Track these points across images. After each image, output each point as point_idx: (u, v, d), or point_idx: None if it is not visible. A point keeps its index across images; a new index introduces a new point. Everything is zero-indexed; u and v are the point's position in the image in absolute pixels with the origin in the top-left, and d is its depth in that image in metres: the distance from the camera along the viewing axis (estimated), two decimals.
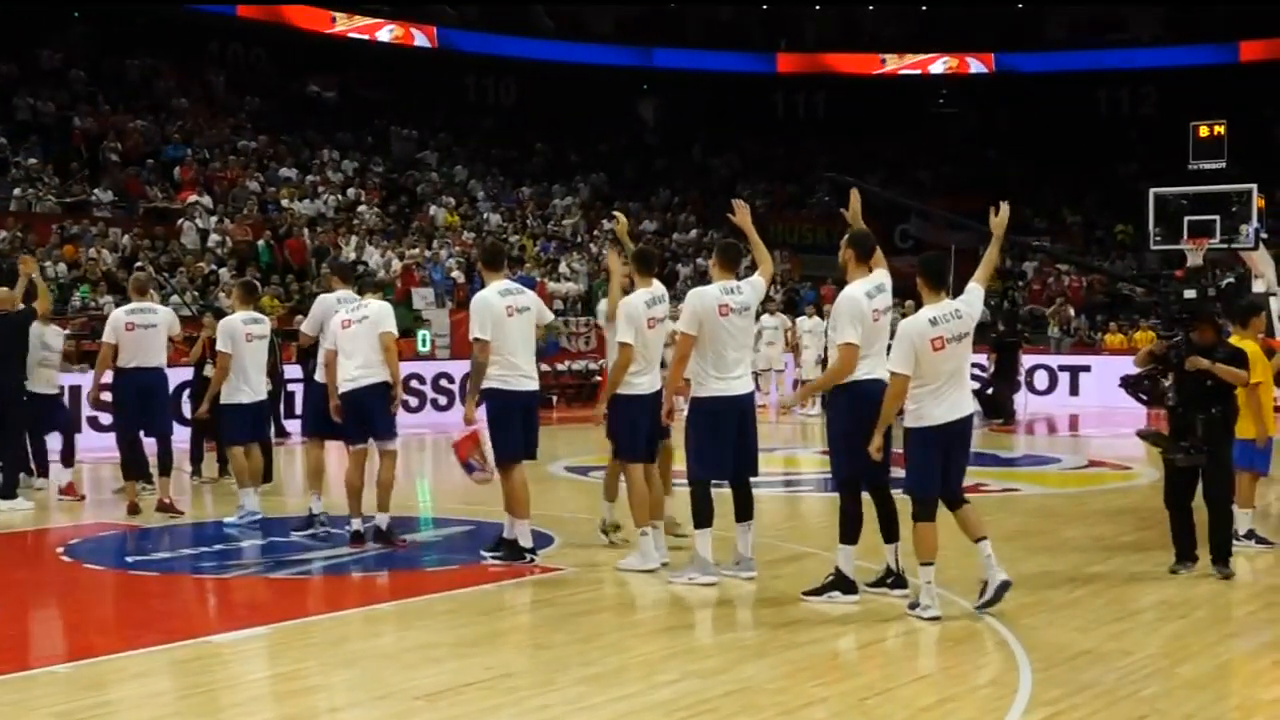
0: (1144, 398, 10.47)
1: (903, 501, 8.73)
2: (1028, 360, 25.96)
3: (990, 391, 23.05)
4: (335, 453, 12.08)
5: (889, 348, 8.66)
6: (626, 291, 10.07)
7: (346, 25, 37.55)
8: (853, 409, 8.71)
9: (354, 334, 10.92)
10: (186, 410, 16.81)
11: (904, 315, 10.29)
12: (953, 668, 7.61)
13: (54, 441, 14.72)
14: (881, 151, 42.46)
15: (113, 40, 34.03)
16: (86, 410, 18.69)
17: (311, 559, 10.66)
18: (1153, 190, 23.49)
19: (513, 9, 41.34)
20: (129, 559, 10.90)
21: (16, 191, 26.66)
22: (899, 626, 8.28)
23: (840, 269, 9.20)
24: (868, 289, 8.80)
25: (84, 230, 25.59)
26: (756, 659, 7.57)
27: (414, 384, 22.52)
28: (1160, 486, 10.23)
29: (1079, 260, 35.96)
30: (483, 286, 10.39)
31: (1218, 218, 22.07)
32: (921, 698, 6.85)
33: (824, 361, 13.03)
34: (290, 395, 18.84)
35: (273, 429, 16.64)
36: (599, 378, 25.40)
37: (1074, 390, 27.24)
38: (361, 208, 31.46)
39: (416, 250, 29.61)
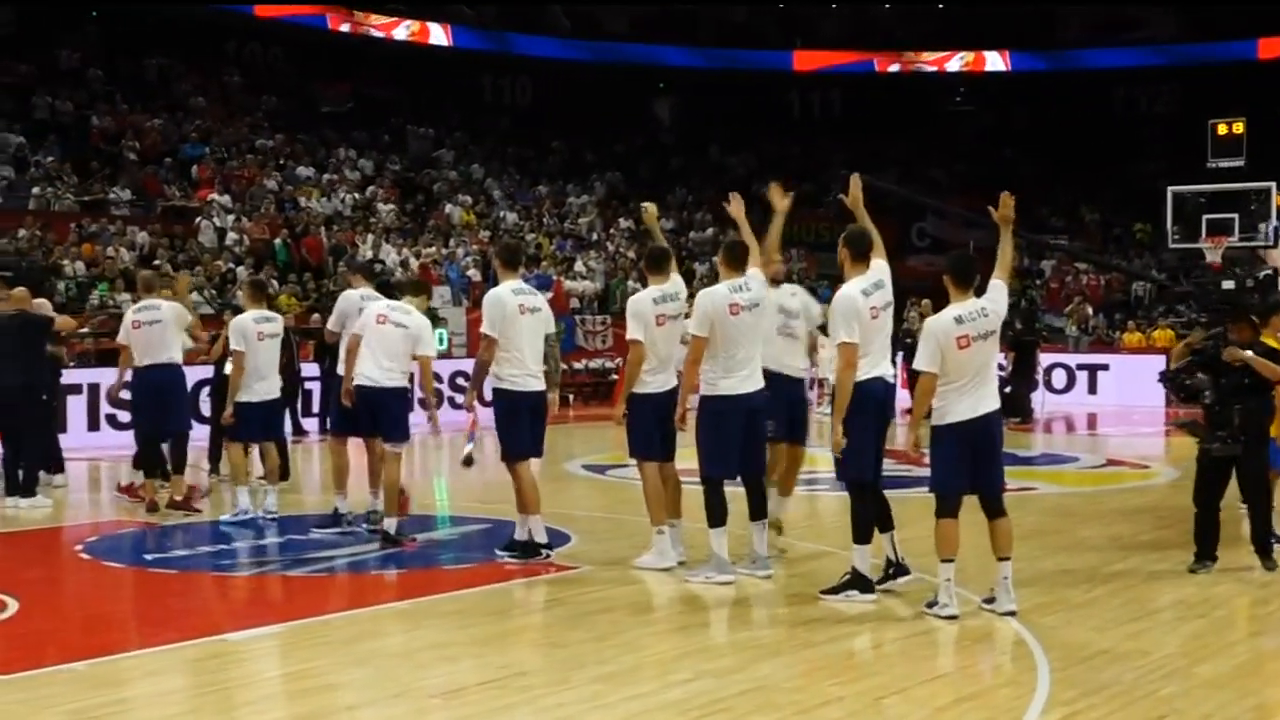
0: (1183, 394, 10.43)
1: (926, 500, 8.70)
2: (1045, 359, 25.91)
3: (1008, 390, 23.00)
4: (355, 450, 12.08)
5: (909, 346, 8.65)
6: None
7: (363, 24, 37.58)
8: (854, 407, 8.69)
9: (386, 335, 10.90)
10: (205, 408, 16.84)
11: (921, 314, 10.28)
12: (970, 667, 7.59)
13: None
14: (897, 150, 42.38)
15: (130, 40, 34.12)
16: (105, 409, 18.83)
17: (328, 557, 10.66)
18: (1171, 188, 23.43)
19: (529, 8, 41.36)
20: (147, 557, 10.92)
21: (36, 190, 26.76)
22: (916, 625, 8.25)
23: (839, 267, 9.18)
24: (864, 286, 8.79)
25: (102, 229, 25.67)
26: (772, 658, 7.55)
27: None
28: (1180, 485, 10.22)
29: (1097, 259, 35.86)
30: (497, 284, 10.40)
31: (1236, 216, 22.02)
32: (939, 697, 6.82)
33: None
34: (307, 393, 18.89)
35: (290, 427, 16.71)
36: (615, 376, 25.41)
37: (1092, 389, 27.19)
38: (378, 206, 31.51)
39: (433, 249, 29.66)
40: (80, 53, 33.10)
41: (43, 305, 14.54)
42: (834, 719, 6.45)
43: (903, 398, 11.87)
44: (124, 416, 18.49)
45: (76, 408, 18.23)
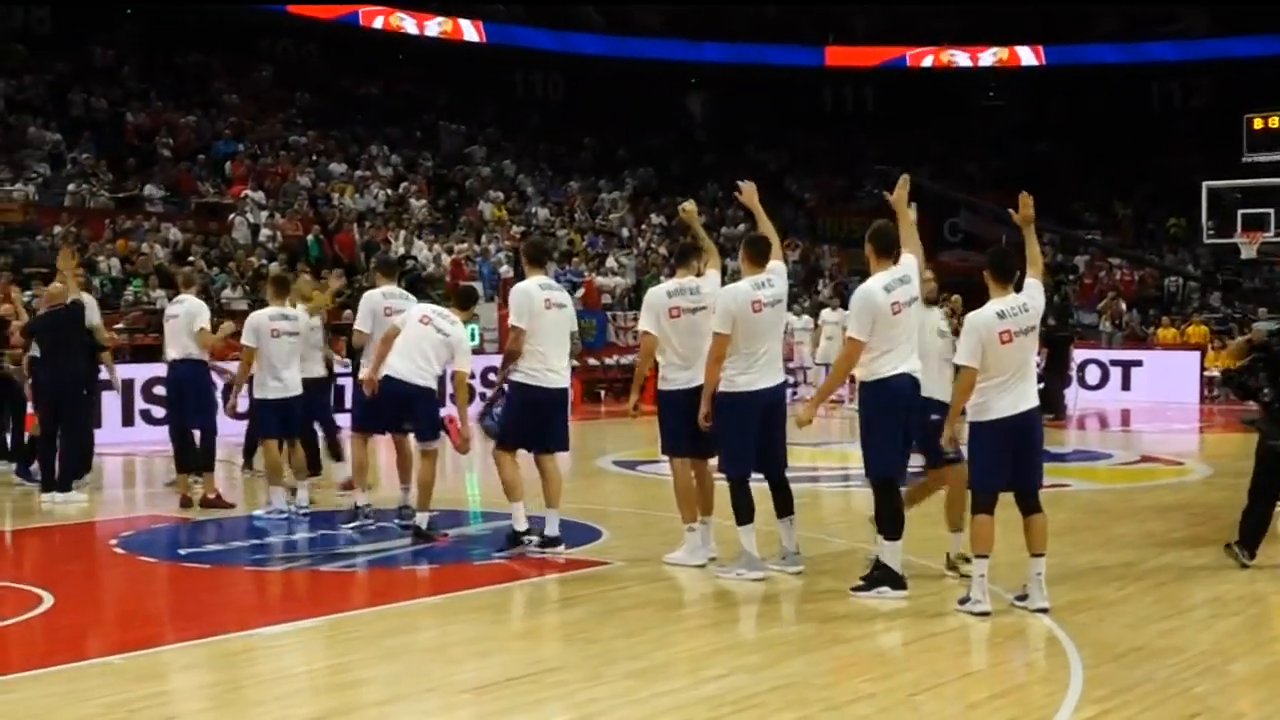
0: (1242, 393, 10.37)
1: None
2: (1079, 355, 25.78)
3: (1041, 386, 22.89)
4: (384, 447, 12.13)
5: (956, 346, 8.60)
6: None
7: (396, 21, 37.66)
8: (880, 404, 8.70)
9: (426, 336, 10.92)
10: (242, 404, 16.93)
11: (952, 311, 10.25)
12: (1002, 664, 7.58)
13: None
14: (930, 145, 42.24)
15: (164, 37, 34.29)
16: (140, 404, 18.96)
17: (360, 552, 10.71)
18: (1206, 183, 23.33)
19: (561, 4, 41.37)
20: (181, 551, 10.98)
21: (71, 187, 26.92)
22: (949, 622, 8.23)
23: (865, 263, 9.16)
24: (886, 282, 8.76)
25: (137, 225, 25.81)
26: (803, 654, 7.55)
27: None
28: (1214, 482, 10.17)
29: (1131, 254, 35.68)
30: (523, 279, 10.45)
31: (1272, 211, 21.90)
32: (971, 693, 6.81)
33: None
34: (340, 389, 18.94)
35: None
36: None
37: (1125, 385, 27.04)
38: (411, 202, 31.60)
39: (465, 245, 29.72)
40: (115, 50, 33.30)
41: (90, 305, 14.62)
42: (865, 715, 6.44)
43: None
44: (158, 412, 18.65)
45: (111, 404, 18.33)
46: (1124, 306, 32.10)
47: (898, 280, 8.81)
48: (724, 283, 9.76)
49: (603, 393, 26.06)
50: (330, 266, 26.73)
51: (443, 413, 11.72)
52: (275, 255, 26.31)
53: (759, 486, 9.38)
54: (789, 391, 11.05)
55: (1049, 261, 34.69)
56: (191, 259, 24.22)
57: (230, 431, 14.62)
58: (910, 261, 8.91)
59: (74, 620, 8.74)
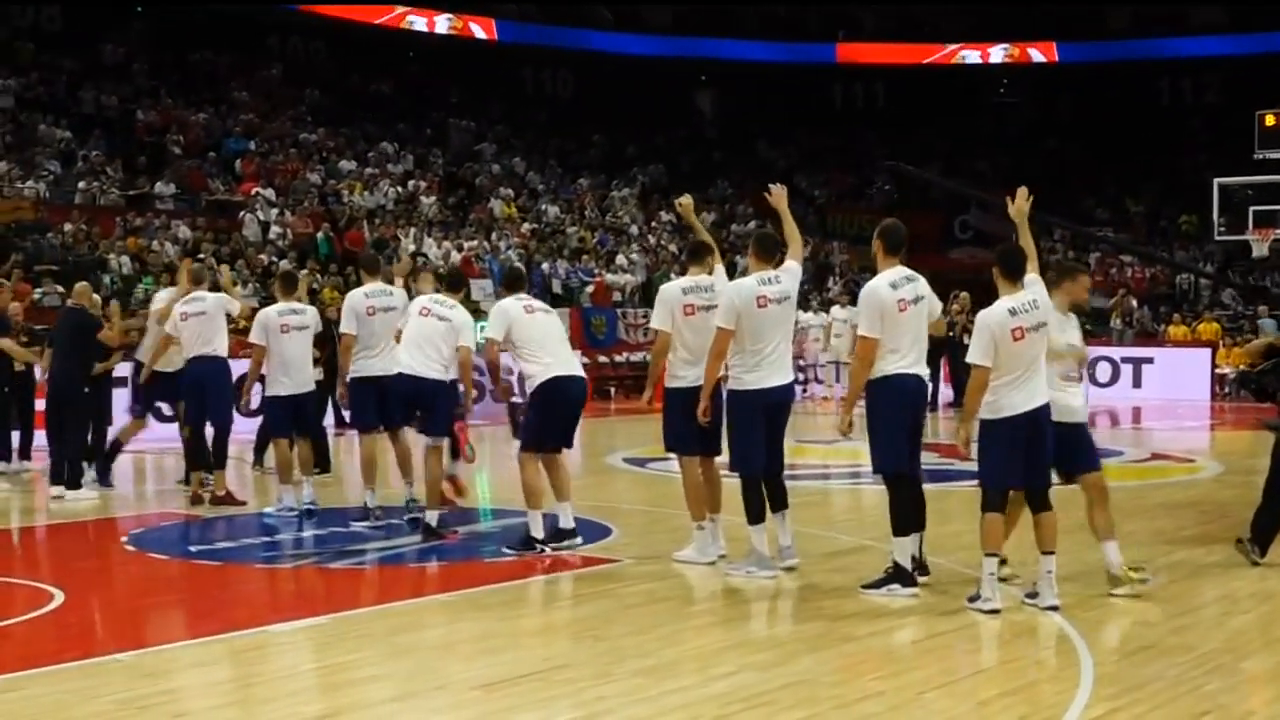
0: (1259, 394, 10.36)
1: (965, 494, 8.67)
2: (1090, 352, 25.73)
3: None
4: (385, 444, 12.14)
5: (950, 340, 8.61)
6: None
7: (406, 19, 37.70)
8: (888, 402, 8.69)
9: (428, 327, 10.94)
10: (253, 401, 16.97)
11: (960, 307, 10.24)
12: (1012, 662, 7.56)
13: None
14: (941, 142, 42.22)
15: (174, 35, 34.38)
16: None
17: (370, 550, 10.72)
18: (1217, 180, 23.28)
19: (571, 2, 41.37)
20: (192, 548, 11.00)
21: (81, 185, 26.99)
22: (958, 620, 8.22)
23: (872, 260, 9.15)
24: (893, 279, 8.76)
25: (147, 223, 25.86)
26: (814, 652, 7.54)
27: (473, 375, 22.54)
28: (1225, 480, 10.14)
29: (1143, 251, 35.61)
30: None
31: None
32: (981, 691, 6.80)
33: None
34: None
35: (332, 418, 16.77)
36: None
37: (1136, 382, 26.98)
38: (420, 199, 31.62)
39: (475, 242, 29.73)
40: (125, 48, 33.37)
41: (95, 302, 14.66)
42: (875, 713, 6.43)
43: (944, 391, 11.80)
44: (168, 409, 18.65)
45: (121, 400, 18.32)
46: (1134, 303, 32.05)
47: (904, 278, 8.80)
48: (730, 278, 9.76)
49: (613, 390, 26.06)
50: (340, 264, 26.85)
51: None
52: (285, 253, 26.35)
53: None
54: (799, 389, 11.04)
55: (1060, 259, 34.73)
56: (201, 256, 24.25)
57: (241, 429, 14.62)
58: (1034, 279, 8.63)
59: (85, 617, 8.77)
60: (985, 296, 8.79)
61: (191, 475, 13.35)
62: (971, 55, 42.61)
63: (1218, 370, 26.19)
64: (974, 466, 8.57)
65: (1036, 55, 42.24)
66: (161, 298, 14.07)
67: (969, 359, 8.33)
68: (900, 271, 8.82)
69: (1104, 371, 26.97)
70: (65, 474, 13.34)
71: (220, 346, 12.94)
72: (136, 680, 6.96)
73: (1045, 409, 8.39)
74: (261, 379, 12.48)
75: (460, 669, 7.21)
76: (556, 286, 28.98)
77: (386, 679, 7.05)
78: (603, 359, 26.98)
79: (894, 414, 8.69)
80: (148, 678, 7.03)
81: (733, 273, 12.26)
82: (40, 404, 14.64)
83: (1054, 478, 8.63)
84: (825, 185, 41.86)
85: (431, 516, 10.90)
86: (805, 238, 10.11)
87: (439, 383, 10.93)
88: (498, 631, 8.05)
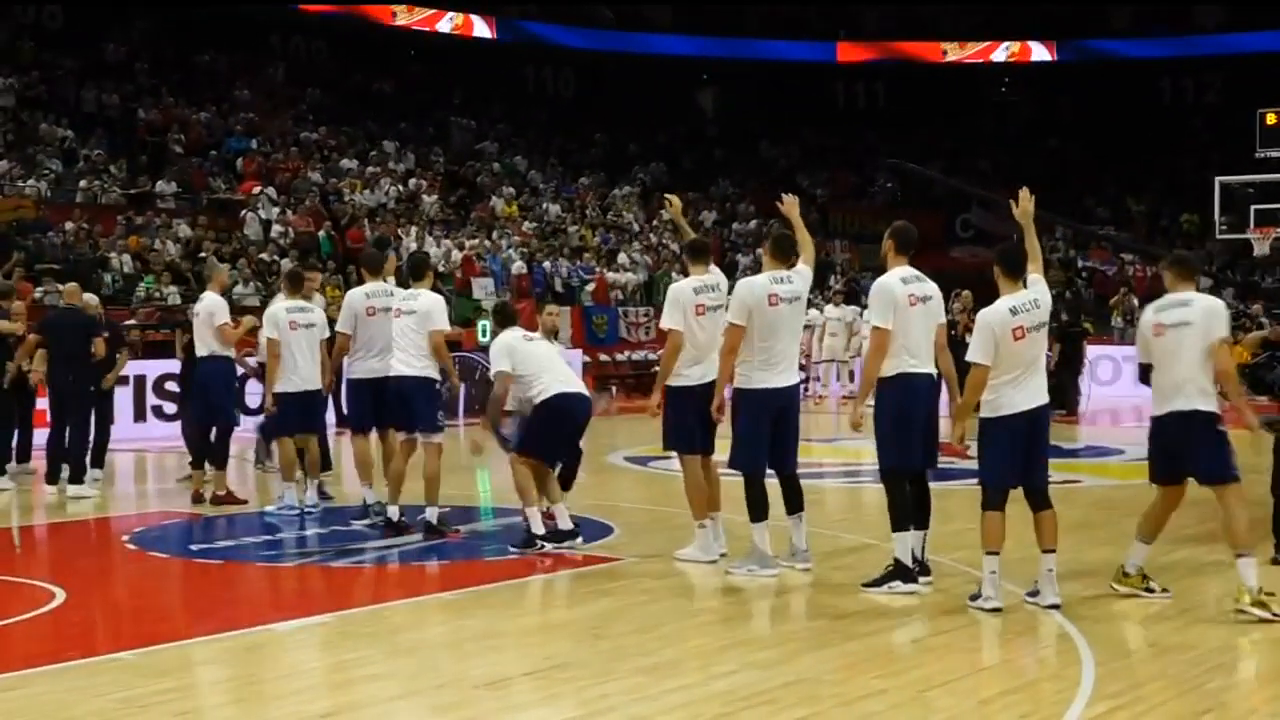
0: (1259, 388, 10.34)
1: (967, 493, 8.67)
2: (1090, 351, 25.70)
3: (1053, 382, 22.81)
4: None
5: (951, 339, 8.60)
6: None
7: (407, 17, 37.71)
8: (898, 400, 8.70)
9: (401, 325, 10.99)
10: (251, 401, 16.96)
11: (962, 306, 10.25)
12: (1014, 660, 7.57)
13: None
14: (942, 140, 42.21)
15: (176, 34, 34.38)
16: (152, 399, 19.00)
17: (372, 548, 10.72)
18: (1218, 179, 23.28)
19: (572, 1, 41.36)
20: (192, 547, 11.00)
21: (83, 183, 26.98)
22: (960, 618, 8.22)
23: (881, 260, 9.16)
24: (903, 275, 8.83)
25: (148, 222, 25.85)
26: (815, 650, 7.54)
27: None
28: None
29: (1145, 249, 35.61)
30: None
31: None
32: (982, 690, 6.81)
33: None
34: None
35: (333, 416, 16.75)
36: (657, 368, 25.41)
37: (1137, 381, 26.90)
38: (422, 198, 31.62)
39: (476, 241, 29.73)
40: (127, 47, 33.36)
41: (90, 301, 14.65)
42: (876, 712, 6.44)
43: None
44: (170, 408, 18.69)
45: (123, 399, 18.36)
46: (1136, 302, 32.03)
47: (914, 275, 8.86)
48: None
49: (614, 388, 26.05)
50: (341, 262, 26.86)
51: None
52: (287, 251, 26.34)
53: (768, 483, 9.38)
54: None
55: (1061, 257, 34.74)
56: (203, 255, 24.25)
57: (245, 427, 14.63)
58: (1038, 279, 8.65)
59: (86, 616, 8.77)
60: (987, 295, 8.79)
61: (194, 473, 13.35)
62: (973, 54, 42.60)
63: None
64: (973, 465, 8.57)
65: (1037, 54, 42.23)
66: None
67: (969, 357, 8.34)
68: (910, 270, 8.87)
69: (1105, 370, 26.95)
70: (70, 471, 13.37)
71: (213, 348, 12.91)
72: (138, 679, 6.96)
73: (1045, 408, 8.40)
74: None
75: (463, 667, 7.22)
76: (558, 285, 28.98)
77: (389, 677, 7.06)
78: (604, 358, 26.98)
79: (903, 413, 8.71)
80: (149, 676, 7.03)
81: (730, 272, 12.27)
82: (41, 403, 14.64)
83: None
84: (826, 184, 41.85)
85: (432, 514, 10.92)
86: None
87: (419, 379, 10.95)
88: (500, 630, 8.05)
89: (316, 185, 30.14)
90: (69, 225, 24.52)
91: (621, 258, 31.68)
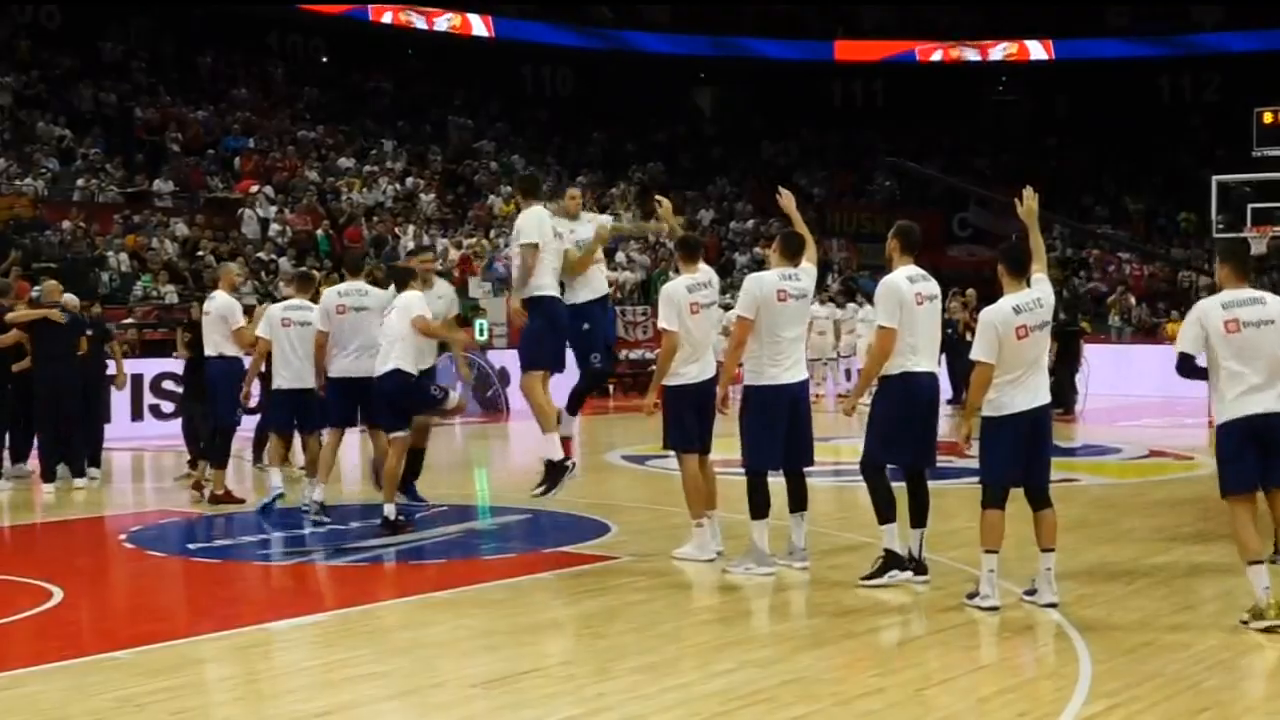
0: None
1: (965, 491, 8.67)
2: (1089, 349, 25.70)
3: (1051, 381, 22.81)
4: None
5: (949, 338, 8.63)
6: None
7: (405, 16, 37.69)
8: (900, 399, 8.72)
9: (351, 323, 11.40)
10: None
11: (963, 304, 10.25)
12: (1011, 658, 7.56)
13: None
14: (940, 139, 42.20)
15: (173, 32, 34.36)
16: (149, 399, 19.00)
17: (370, 547, 10.70)
18: (1216, 177, 23.25)
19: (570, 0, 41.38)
20: (191, 546, 11.00)
21: (80, 182, 26.98)
22: (957, 617, 8.22)
23: (886, 259, 9.17)
24: (910, 274, 8.85)
25: (146, 220, 25.85)
26: (813, 648, 7.54)
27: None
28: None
29: (1142, 248, 35.62)
30: None
31: None
32: (980, 688, 6.80)
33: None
34: None
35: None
36: (654, 367, 25.40)
37: (1135, 380, 26.89)
38: (419, 197, 31.61)
39: (474, 239, 29.72)
40: (124, 45, 33.35)
41: (69, 300, 14.60)
42: (874, 710, 6.43)
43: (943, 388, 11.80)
44: (168, 407, 18.69)
45: (121, 398, 18.36)
46: (1133, 301, 32.06)
47: (921, 275, 8.90)
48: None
49: (611, 387, 26.03)
50: (338, 261, 26.83)
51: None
52: (284, 250, 26.34)
53: (774, 480, 9.38)
54: None
55: (1059, 256, 34.74)
56: (200, 254, 24.25)
57: (244, 427, 14.63)
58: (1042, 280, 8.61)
59: (84, 615, 8.76)
60: (985, 293, 8.81)
61: (201, 468, 13.37)
62: (970, 53, 42.60)
63: None
64: (971, 463, 8.57)
65: (1035, 52, 42.23)
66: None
67: (973, 355, 8.34)
68: (917, 269, 8.90)
69: (1102, 368, 26.92)
70: (67, 467, 13.43)
71: (224, 347, 12.96)
72: (136, 678, 6.96)
73: (1047, 408, 8.40)
74: (265, 376, 12.60)
75: (460, 666, 7.21)
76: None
77: (386, 676, 7.05)
78: None
79: (904, 411, 8.73)
80: (147, 675, 7.02)
81: (728, 271, 12.26)
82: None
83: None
84: (824, 183, 41.85)
85: (389, 509, 11.02)
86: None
87: (368, 379, 11.23)
88: (497, 629, 8.05)
89: (314, 184, 30.14)
90: (66, 224, 24.52)
91: (619, 256, 31.67)
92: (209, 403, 13.16)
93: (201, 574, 10.05)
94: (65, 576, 9.58)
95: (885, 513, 8.89)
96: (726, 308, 16.43)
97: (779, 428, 9.23)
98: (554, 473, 10.32)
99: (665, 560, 9.88)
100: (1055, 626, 7.96)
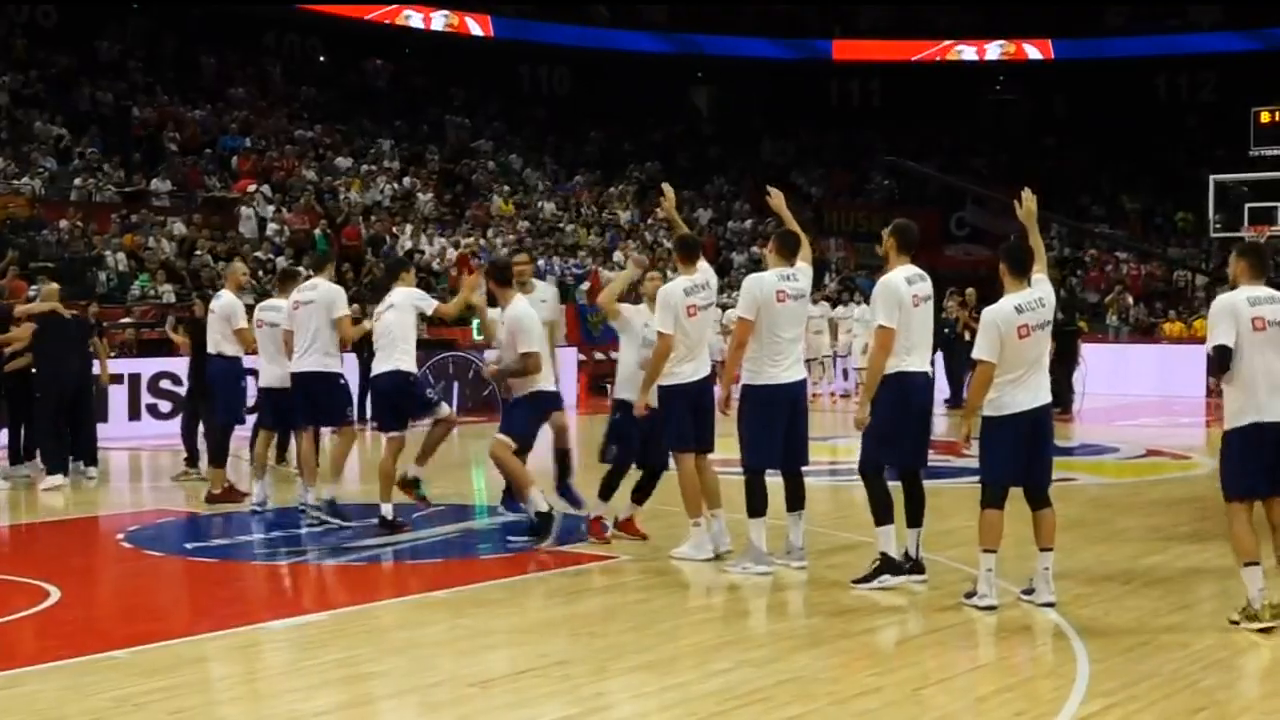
0: None
1: (963, 491, 8.67)
2: (1087, 348, 25.71)
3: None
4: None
5: (946, 337, 8.64)
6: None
7: (402, 16, 37.67)
8: (896, 399, 8.72)
9: (299, 319, 11.45)
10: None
11: (962, 303, 10.25)
12: (1009, 658, 7.57)
13: None
14: (938, 139, 42.20)
15: (171, 31, 34.34)
16: (146, 398, 19.00)
17: (368, 547, 10.70)
18: (1213, 177, 23.31)
19: None
20: (187, 546, 11.00)
21: (77, 181, 26.95)
22: (954, 616, 8.23)
23: (883, 258, 9.17)
24: (907, 275, 8.85)
25: (143, 220, 25.83)
26: (810, 648, 7.54)
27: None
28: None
29: (1140, 247, 35.63)
30: None
31: (1279, 204, 21.86)
32: (978, 687, 6.81)
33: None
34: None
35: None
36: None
37: (1132, 379, 26.92)
38: (417, 196, 31.60)
39: (471, 239, 29.72)
40: (121, 44, 33.33)
41: (49, 295, 14.54)
42: (871, 709, 6.44)
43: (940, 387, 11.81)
44: (165, 406, 18.68)
45: (118, 397, 18.36)
46: (1130, 300, 32.07)
47: (917, 275, 8.90)
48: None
49: (608, 387, 26.00)
50: (336, 260, 26.81)
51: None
52: (282, 249, 26.33)
53: (772, 481, 9.38)
54: None
55: (1057, 255, 34.75)
56: (198, 253, 24.24)
57: (245, 426, 14.64)
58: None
59: (81, 614, 8.76)
60: (983, 293, 8.82)
61: (215, 472, 13.36)
62: (968, 52, 42.60)
63: None
64: (968, 463, 8.58)
65: (1033, 52, 42.24)
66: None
67: (975, 354, 8.34)
68: (913, 269, 8.89)
69: (1100, 368, 26.93)
70: (47, 463, 13.50)
71: (224, 347, 12.99)
72: (133, 677, 6.96)
73: (1048, 408, 8.40)
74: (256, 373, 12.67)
75: (457, 665, 7.21)
76: (553, 283, 28.93)
77: (384, 675, 7.06)
78: (599, 355, 26.94)
79: (899, 411, 8.74)
80: (144, 675, 7.02)
81: (726, 270, 12.26)
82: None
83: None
84: (822, 182, 41.86)
85: (386, 509, 11.03)
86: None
87: (318, 374, 11.36)
88: (495, 628, 8.05)
89: (312, 183, 30.12)
90: (64, 223, 24.50)
91: (616, 255, 31.68)
92: (210, 401, 13.21)
93: (199, 573, 10.04)
94: (62, 576, 9.58)
95: (883, 515, 8.88)
96: (725, 307, 16.43)
97: (778, 427, 9.24)
98: (545, 523, 10.38)
99: (663, 560, 9.88)
100: (1053, 626, 7.97)
